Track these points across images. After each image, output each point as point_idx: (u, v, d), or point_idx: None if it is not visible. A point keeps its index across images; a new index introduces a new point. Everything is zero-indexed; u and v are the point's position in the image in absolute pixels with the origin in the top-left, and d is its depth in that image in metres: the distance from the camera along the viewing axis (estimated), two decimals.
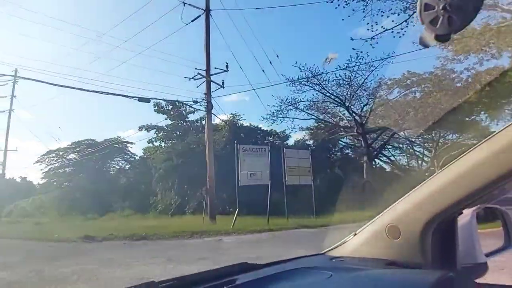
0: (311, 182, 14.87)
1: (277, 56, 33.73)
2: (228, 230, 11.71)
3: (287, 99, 24.50)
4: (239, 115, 27.22)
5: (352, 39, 14.15)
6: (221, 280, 1.08)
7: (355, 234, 1.35)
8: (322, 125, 26.89)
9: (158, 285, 0.95)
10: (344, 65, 20.88)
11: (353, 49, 14.04)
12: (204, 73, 15.07)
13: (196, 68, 14.75)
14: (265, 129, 26.60)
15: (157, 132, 32.66)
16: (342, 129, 25.94)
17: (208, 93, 14.95)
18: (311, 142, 28.02)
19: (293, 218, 14.51)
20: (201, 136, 27.31)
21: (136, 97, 12.45)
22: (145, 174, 29.41)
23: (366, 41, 14.01)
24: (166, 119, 32.63)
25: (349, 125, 24.58)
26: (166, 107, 33.89)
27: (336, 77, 21.79)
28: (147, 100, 12.55)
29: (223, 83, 15.52)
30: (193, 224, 14.01)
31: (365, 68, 20.59)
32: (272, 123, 26.07)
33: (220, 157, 17.18)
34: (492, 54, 22.10)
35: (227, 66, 15.23)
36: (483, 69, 24.18)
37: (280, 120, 25.82)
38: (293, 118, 25.89)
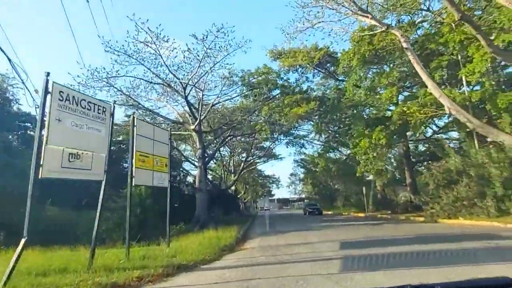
0: (168, 184, 8.89)
1: None
2: None
3: (103, 69, 16.97)
4: (6, 74, 16.96)
5: None
6: None
7: None
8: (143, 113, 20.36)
9: None
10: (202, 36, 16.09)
11: None
12: None
13: None
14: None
15: None
16: (168, 122, 20.48)
17: None
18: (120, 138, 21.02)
19: (134, 246, 8.05)
20: None
21: None
22: None
23: None
24: None
25: (182, 120, 19.42)
26: None
27: (186, 50, 16.58)
28: None
29: None
30: None
31: (222, 47, 16.51)
32: None
33: None
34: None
35: None
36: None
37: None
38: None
